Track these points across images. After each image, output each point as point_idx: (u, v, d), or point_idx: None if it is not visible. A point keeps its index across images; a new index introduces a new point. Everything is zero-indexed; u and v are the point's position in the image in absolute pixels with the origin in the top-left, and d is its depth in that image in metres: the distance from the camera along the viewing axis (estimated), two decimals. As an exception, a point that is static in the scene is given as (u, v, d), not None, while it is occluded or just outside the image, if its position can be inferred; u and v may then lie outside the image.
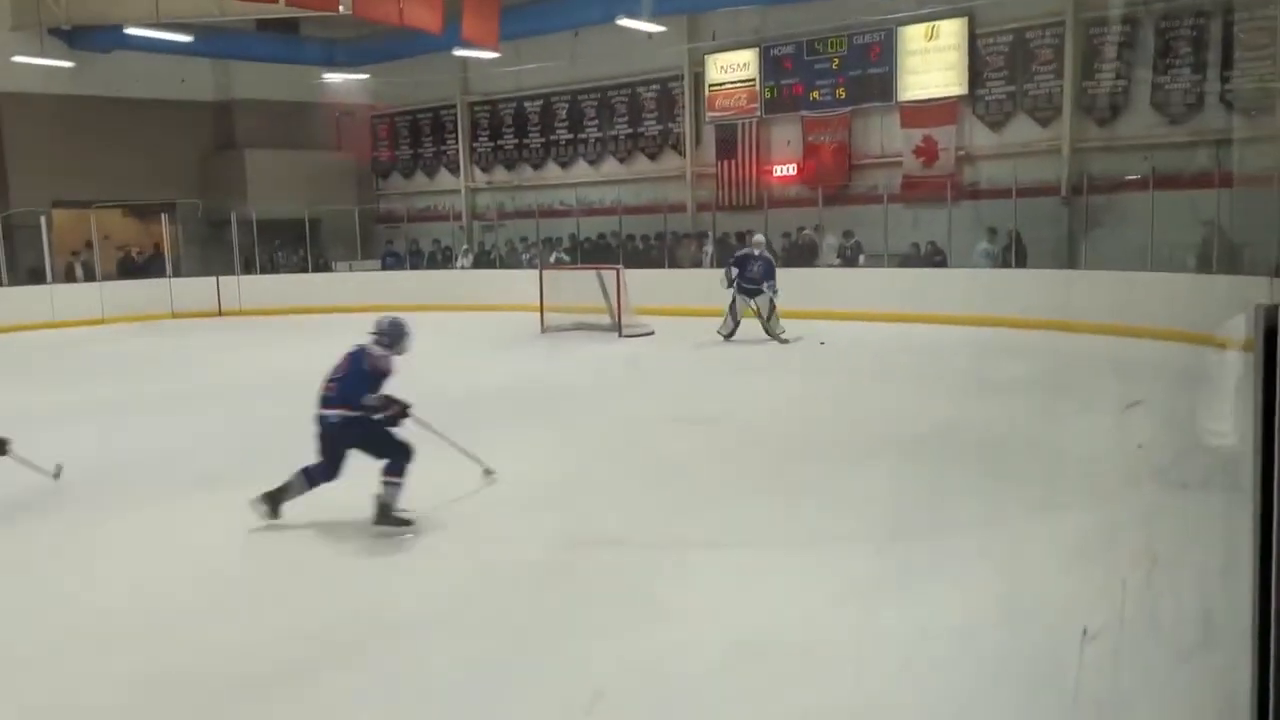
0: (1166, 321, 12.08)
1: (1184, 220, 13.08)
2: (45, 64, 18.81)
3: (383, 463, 5.66)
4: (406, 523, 5.66)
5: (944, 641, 4.00)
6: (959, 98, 16.06)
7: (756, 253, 13.43)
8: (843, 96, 17.25)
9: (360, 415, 5.62)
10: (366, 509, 5.59)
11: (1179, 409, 7.94)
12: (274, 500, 5.69)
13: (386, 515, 5.62)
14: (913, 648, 3.96)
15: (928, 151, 16.40)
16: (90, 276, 19.12)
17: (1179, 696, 3.05)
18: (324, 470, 5.72)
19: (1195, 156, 13.73)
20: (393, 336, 5.95)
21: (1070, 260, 14.81)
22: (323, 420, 5.69)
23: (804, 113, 17.71)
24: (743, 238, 17.79)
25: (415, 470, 5.61)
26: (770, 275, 13.28)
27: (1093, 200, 14.73)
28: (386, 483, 5.63)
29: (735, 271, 13.30)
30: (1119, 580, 3.93)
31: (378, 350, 5.85)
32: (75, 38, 19.42)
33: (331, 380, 5.74)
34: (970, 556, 4.88)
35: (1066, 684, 3.23)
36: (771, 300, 13.26)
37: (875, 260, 16.17)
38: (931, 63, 16.26)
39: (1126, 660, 3.05)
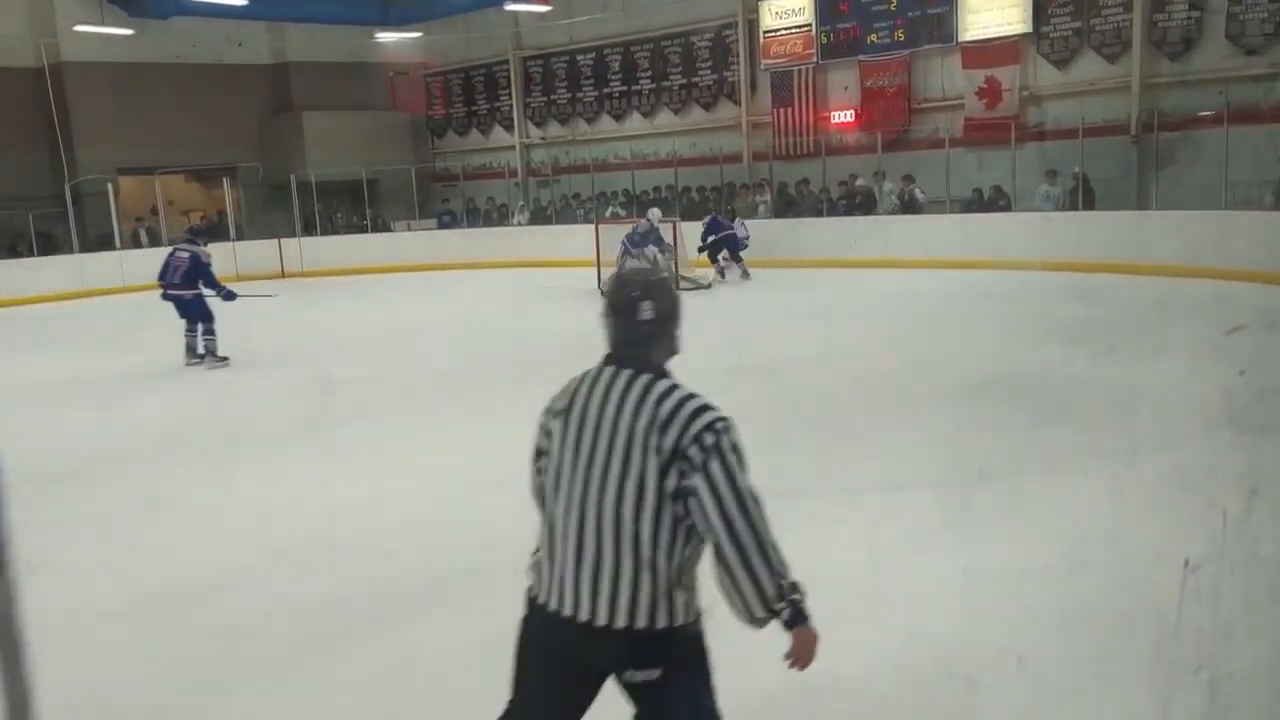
0: (1244, 262, 11.76)
1: (1262, 156, 12.65)
2: (105, 32, 19.07)
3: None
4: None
5: (1022, 582, 3.96)
6: (1022, 36, 15.60)
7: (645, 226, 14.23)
8: (901, 39, 16.86)
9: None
10: (431, 472, 5.61)
11: (1258, 352, 7.72)
12: None
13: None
14: (994, 588, 3.93)
15: (991, 92, 15.99)
16: (155, 241, 19.47)
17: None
18: None
19: (1274, 89, 13.24)
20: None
21: (1140, 201, 14.42)
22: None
23: (861, 57, 17.35)
24: (799, 187, 17.61)
25: (478, 424, 5.63)
26: (651, 242, 14.03)
27: (1164, 138, 14.28)
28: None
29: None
30: (1193, 526, 3.85)
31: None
32: (133, 5, 19.64)
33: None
34: (1043, 501, 4.79)
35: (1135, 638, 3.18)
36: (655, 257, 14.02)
37: (938, 206, 15.87)
38: (994, 0, 15.80)
39: (1225, 594, 3.00)
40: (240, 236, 20.08)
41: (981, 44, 15.99)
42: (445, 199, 22.73)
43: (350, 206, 21.74)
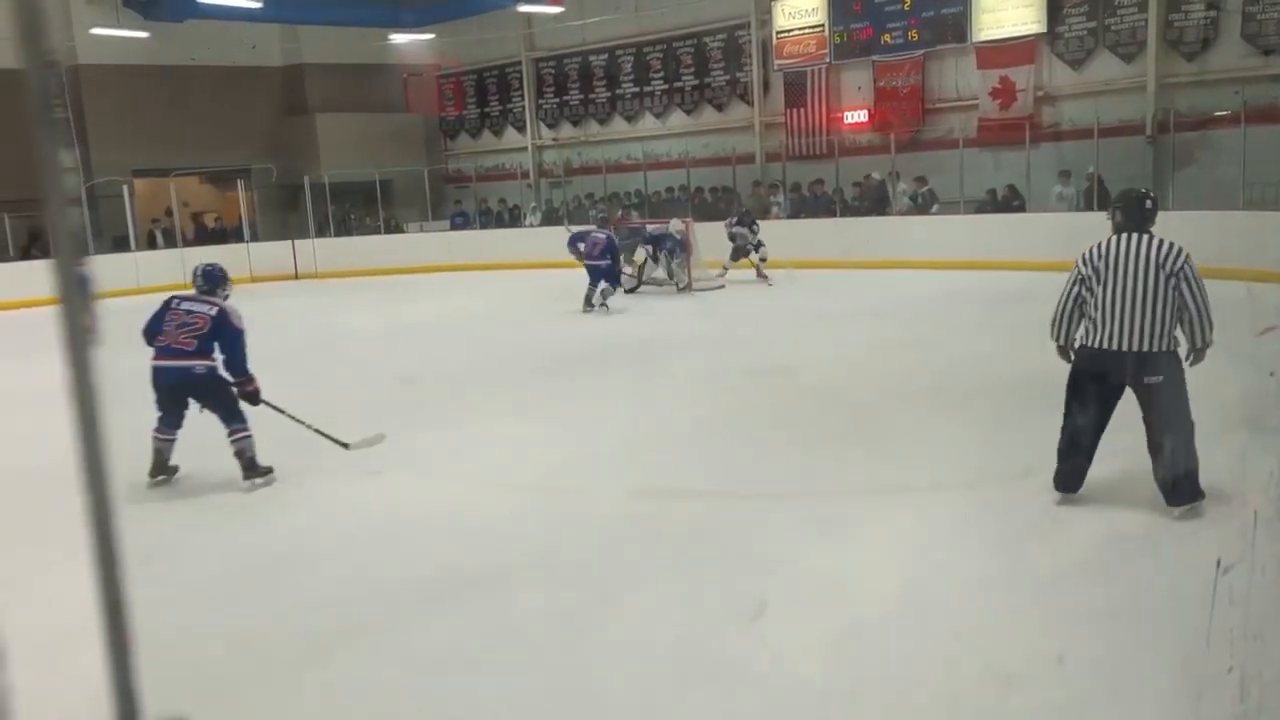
0: (1262, 262, 11.69)
1: (1279, 156, 12.59)
2: (121, 35, 19.17)
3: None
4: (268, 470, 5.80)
5: (1057, 582, 3.96)
6: (1037, 35, 15.57)
7: (676, 234, 14.61)
8: (915, 39, 16.84)
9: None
10: (448, 473, 5.59)
11: (1273, 354, 7.66)
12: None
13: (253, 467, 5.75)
14: (1030, 588, 3.93)
15: (1005, 93, 15.96)
16: (170, 243, 19.57)
17: None
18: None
19: (1291, 89, 13.19)
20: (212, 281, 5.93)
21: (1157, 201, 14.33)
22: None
23: (875, 57, 17.34)
24: (813, 187, 17.58)
25: (498, 426, 5.60)
26: (667, 247, 14.65)
27: (1180, 138, 14.23)
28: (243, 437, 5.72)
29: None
30: (1225, 527, 3.84)
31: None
32: (149, 8, 19.71)
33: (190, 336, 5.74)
34: (1074, 501, 4.72)
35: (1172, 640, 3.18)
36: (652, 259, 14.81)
37: (951, 207, 15.84)
38: (1008, 0, 15.78)
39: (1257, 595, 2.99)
40: (254, 238, 20.17)
41: (996, 44, 15.96)
42: (458, 200, 22.79)
43: (364, 208, 21.80)
